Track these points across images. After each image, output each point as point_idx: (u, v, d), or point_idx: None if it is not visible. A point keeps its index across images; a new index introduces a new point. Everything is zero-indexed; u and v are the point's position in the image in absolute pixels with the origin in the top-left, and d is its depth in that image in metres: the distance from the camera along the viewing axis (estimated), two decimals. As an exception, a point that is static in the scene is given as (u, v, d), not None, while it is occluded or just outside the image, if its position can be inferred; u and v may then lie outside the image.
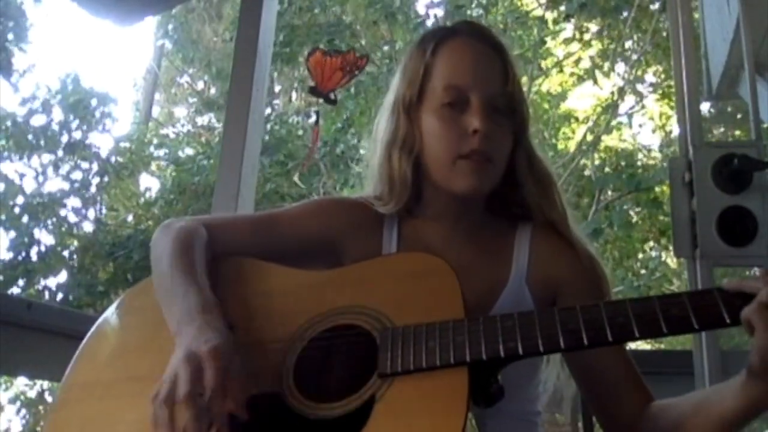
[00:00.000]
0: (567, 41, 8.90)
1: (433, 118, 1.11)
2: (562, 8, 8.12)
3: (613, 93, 8.85)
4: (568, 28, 8.75)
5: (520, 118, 1.14)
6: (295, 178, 8.25)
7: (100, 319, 1.11)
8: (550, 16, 8.49)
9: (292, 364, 0.95)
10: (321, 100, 2.65)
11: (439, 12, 8.18)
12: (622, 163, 7.84)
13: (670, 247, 2.74)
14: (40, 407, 8.77)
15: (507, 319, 0.89)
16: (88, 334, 1.09)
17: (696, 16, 2.78)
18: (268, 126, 8.36)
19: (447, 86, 1.10)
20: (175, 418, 0.79)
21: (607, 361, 1.07)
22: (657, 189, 7.06)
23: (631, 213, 7.25)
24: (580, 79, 9.06)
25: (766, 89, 2.56)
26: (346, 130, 8.04)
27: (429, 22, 8.00)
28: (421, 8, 8.41)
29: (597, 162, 8.55)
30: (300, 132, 8.96)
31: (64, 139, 9.16)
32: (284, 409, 0.91)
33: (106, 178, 9.38)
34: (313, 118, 9.30)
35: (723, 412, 0.90)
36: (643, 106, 9.12)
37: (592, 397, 1.12)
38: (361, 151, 7.69)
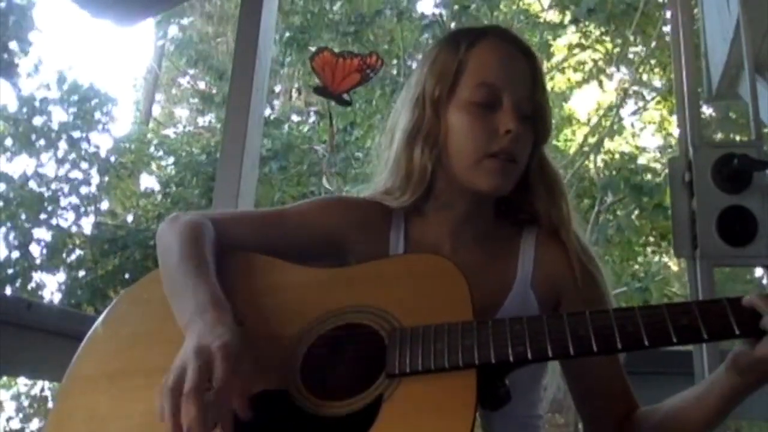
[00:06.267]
0: (571, 46, 8.88)
1: (463, 115, 1.10)
2: (568, 12, 8.09)
3: (616, 94, 8.84)
4: (573, 31, 8.73)
5: (543, 127, 1.14)
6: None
7: (105, 311, 1.11)
8: (555, 18, 8.47)
9: (299, 361, 0.94)
10: (321, 100, 2.64)
11: (445, 12, 8.14)
12: (627, 167, 7.81)
13: (671, 250, 2.74)
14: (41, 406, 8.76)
15: (516, 323, 0.89)
16: (94, 326, 1.09)
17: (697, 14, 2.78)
18: (278, 130, 8.29)
19: (481, 84, 1.10)
20: (179, 411, 0.78)
21: (601, 369, 1.09)
22: (659, 192, 7.04)
23: (633, 216, 7.23)
24: (583, 82, 9.05)
25: (766, 89, 2.56)
26: (350, 131, 8.01)
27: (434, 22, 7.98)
28: (427, 8, 8.39)
29: (599, 164, 8.52)
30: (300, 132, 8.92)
31: (64, 138, 9.15)
32: (291, 407, 0.91)
33: (106, 178, 9.38)
34: (313, 119, 9.29)
35: (713, 402, 0.95)
36: (646, 109, 9.11)
37: (581, 401, 1.15)
38: (358, 154, 7.66)
